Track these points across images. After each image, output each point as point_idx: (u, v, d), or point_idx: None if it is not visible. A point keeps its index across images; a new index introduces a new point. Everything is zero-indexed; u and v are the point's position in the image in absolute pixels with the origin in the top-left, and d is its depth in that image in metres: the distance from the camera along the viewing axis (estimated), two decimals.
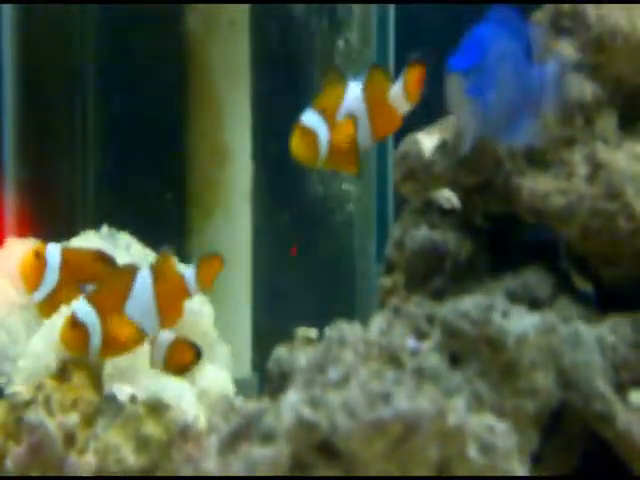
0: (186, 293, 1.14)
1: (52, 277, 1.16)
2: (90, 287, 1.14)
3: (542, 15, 0.92)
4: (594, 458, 0.77)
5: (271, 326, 1.75)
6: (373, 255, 1.89)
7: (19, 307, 1.16)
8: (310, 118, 1.09)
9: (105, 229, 1.28)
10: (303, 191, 1.88)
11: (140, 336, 1.11)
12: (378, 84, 1.09)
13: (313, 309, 1.79)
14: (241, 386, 1.38)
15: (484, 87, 0.82)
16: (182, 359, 1.18)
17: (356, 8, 1.88)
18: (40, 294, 1.16)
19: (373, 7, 1.93)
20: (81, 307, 1.09)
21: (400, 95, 1.08)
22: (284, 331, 1.22)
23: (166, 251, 1.16)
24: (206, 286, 1.16)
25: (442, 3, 1.86)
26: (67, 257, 1.17)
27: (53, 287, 1.16)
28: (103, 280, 1.13)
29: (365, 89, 1.09)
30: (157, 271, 1.13)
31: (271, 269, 1.83)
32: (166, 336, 1.18)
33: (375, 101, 1.09)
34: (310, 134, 1.09)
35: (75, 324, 1.08)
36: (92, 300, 1.10)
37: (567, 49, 0.89)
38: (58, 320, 1.08)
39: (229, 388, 1.29)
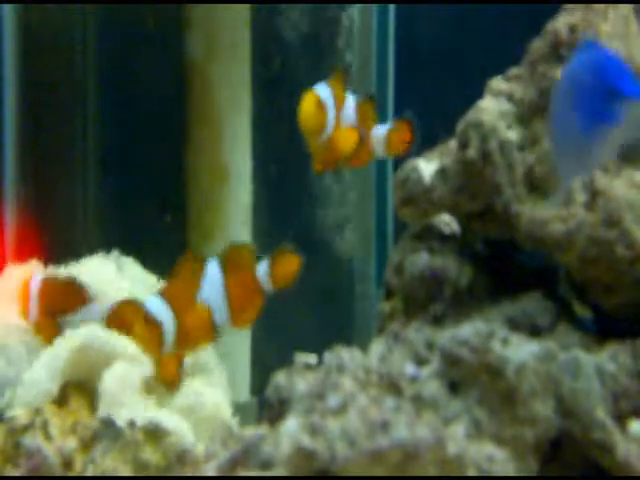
0: (259, 290, 1.09)
1: (34, 306, 1.17)
2: (67, 320, 1.14)
3: (541, 43, 0.93)
4: None
5: (270, 349, 1.75)
6: (373, 278, 1.89)
7: (19, 329, 1.17)
8: (323, 91, 1.08)
9: (115, 253, 1.29)
10: (303, 213, 1.88)
11: (213, 328, 1.06)
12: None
13: (312, 332, 1.79)
14: (240, 410, 1.37)
15: None
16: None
17: (357, 23, 1.90)
18: (30, 320, 1.18)
19: (373, 22, 1.95)
20: (153, 302, 1.06)
21: None
22: (283, 354, 1.22)
23: (245, 245, 1.12)
24: (281, 286, 1.10)
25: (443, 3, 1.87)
26: (43, 287, 1.17)
27: (35, 316, 1.18)
28: (173, 273, 1.10)
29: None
30: (227, 261, 1.09)
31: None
32: None
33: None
34: (321, 106, 1.08)
35: (148, 320, 1.05)
36: (164, 294, 1.06)
37: None
38: (58, 347, 1.08)
39: (227, 412, 1.28)
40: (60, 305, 1.17)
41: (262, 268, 1.11)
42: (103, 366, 1.08)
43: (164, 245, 1.75)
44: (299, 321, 1.81)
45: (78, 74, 1.76)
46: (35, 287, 1.18)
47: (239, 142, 1.79)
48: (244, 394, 1.73)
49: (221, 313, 1.09)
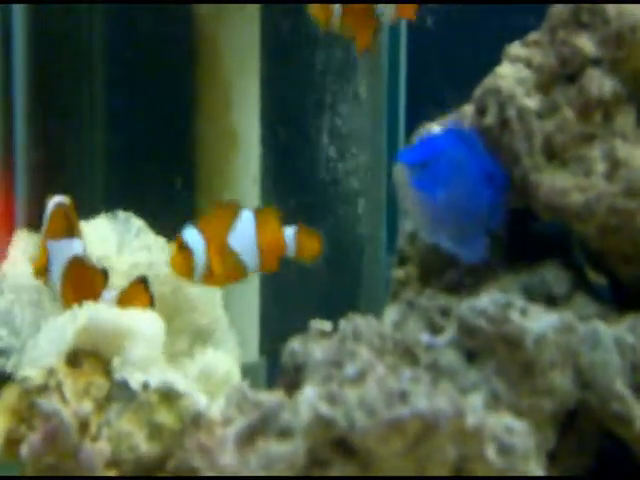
0: (283, 249, 1.15)
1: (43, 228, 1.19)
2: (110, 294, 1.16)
3: (562, 9, 0.91)
4: (609, 457, 0.77)
5: (279, 310, 1.76)
6: (384, 243, 1.89)
7: (29, 291, 1.17)
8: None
9: (121, 214, 1.29)
10: (312, 176, 1.87)
11: (241, 269, 1.13)
12: None
13: (320, 294, 1.79)
14: (249, 371, 1.38)
15: (430, 184, 0.88)
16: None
17: None
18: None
19: None
20: (189, 232, 1.13)
21: None
22: (292, 316, 1.22)
23: (273, 208, 1.17)
24: (303, 254, 1.17)
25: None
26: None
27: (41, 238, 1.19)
28: (209, 212, 1.16)
29: None
30: (260, 215, 1.15)
31: None
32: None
33: None
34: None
35: (182, 247, 1.12)
36: (200, 227, 1.13)
37: (586, 44, 0.88)
38: (63, 325, 1.08)
39: (236, 374, 1.29)
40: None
41: (289, 232, 1.17)
42: (112, 342, 1.09)
43: (173, 209, 1.74)
44: (307, 282, 1.81)
45: (85, 37, 1.74)
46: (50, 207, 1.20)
47: (248, 106, 1.78)
48: (252, 354, 1.74)
49: (251, 255, 1.14)
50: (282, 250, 1.17)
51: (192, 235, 1.13)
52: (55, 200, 1.22)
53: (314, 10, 1.17)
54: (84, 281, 1.18)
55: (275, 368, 1.17)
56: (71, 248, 1.18)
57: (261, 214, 1.17)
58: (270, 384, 1.17)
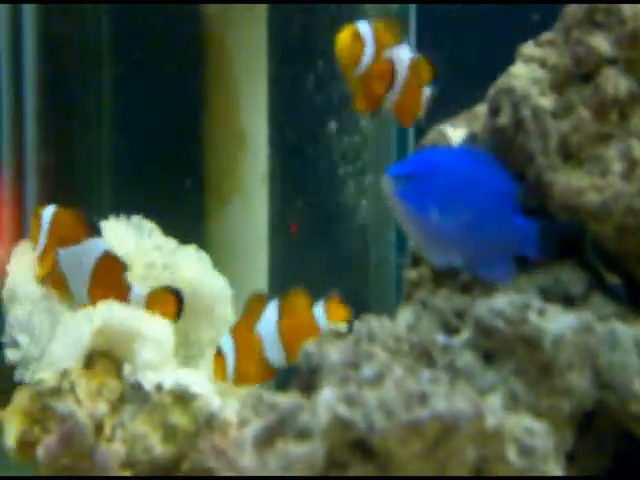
0: (316, 330, 1.14)
1: (43, 238, 1.20)
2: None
3: (576, 9, 0.91)
4: (627, 458, 0.77)
5: None
6: (393, 243, 1.89)
7: (44, 300, 1.17)
8: (364, 26, 1.10)
9: (135, 218, 1.30)
10: (320, 175, 1.87)
11: (269, 369, 1.15)
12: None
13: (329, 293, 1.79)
14: None
15: (416, 197, 0.86)
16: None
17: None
18: (37, 252, 1.21)
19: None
20: (225, 339, 1.16)
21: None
22: None
23: (300, 289, 1.17)
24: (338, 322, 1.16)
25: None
26: (55, 219, 1.20)
27: (44, 247, 1.20)
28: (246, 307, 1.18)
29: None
30: (285, 305, 1.16)
31: (288, 254, 1.83)
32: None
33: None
34: (360, 39, 1.10)
35: (218, 354, 1.16)
36: (233, 331, 1.16)
37: (601, 44, 0.88)
38: (79, 328, 1.08)
39: None
40: (65, 235, 1.20)
41: (318, 312, 1.17)
42: (124, 344, 1.09)
43: (182, 210, 1.74)
44: (316, 282, 1.81)
45: (93, 37, 1.74)
46: (47, 217, 1.21)
47: (256, 106, 1.78)
48: None
49: (274, 351, 1.15)
50: (314, 333, 1.16)
51: (226, 342, 1.16)
52: (50, 209, 1.21)
53: (343, 50, 1.10)
54: (117, 277, 1.18)
55: (285, 370, 1.18)
56: (99, 246, 1.19)
57: (287, 305, 1.16)
58: (279, 386, 1.18)
